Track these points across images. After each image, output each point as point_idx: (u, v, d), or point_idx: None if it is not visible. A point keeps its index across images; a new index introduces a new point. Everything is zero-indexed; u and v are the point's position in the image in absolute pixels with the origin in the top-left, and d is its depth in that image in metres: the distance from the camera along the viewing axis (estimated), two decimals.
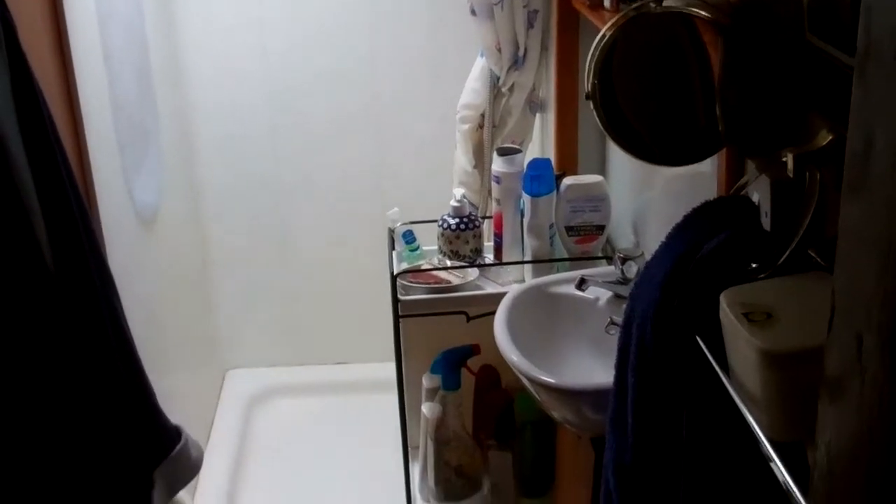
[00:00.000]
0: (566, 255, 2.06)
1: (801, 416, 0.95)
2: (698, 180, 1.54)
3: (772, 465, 0.95)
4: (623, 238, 2.05)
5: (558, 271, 2.01)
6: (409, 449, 2.26)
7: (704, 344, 1.13)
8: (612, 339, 1.38)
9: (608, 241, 2.08)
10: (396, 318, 2.06)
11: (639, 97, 1.29)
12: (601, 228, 2.04)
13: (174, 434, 1.38)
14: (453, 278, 2.08)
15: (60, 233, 1.18)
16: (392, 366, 2.17)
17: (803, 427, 0.96)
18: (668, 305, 1.17)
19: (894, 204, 0.51)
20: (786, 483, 0.90)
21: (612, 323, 1.66)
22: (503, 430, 2.17)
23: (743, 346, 0.98)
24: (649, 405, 1.23)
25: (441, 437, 2.12)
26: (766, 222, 1.15)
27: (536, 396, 1.67)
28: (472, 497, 2.20)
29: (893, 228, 0.51)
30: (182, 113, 3.11)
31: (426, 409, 2.14)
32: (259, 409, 3.43)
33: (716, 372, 1.10)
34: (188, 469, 1.39)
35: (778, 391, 0.96)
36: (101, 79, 2.15)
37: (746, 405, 1.02)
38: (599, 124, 1.28)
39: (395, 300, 2.03)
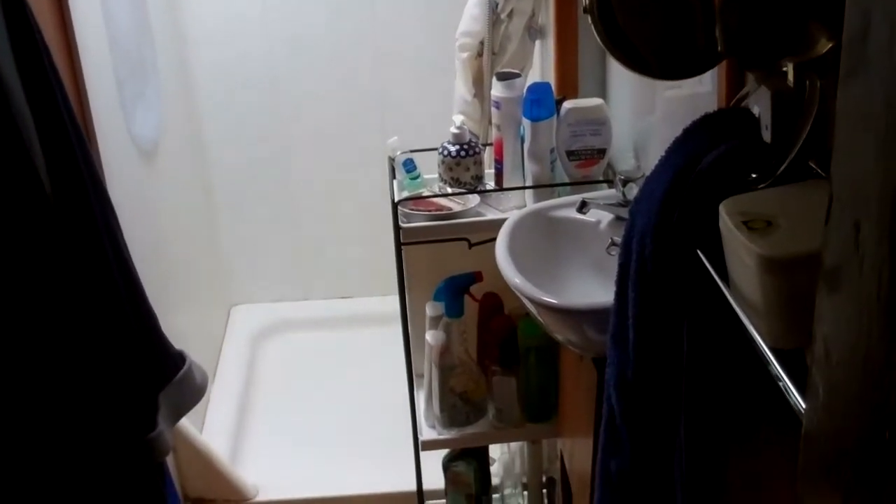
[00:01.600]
0: (567, 180, 2.05)
1: (800, 323, 0.95)
2: (699, 101, 1.53)
3: (771, 370, 0.95)
4: (624, 162, 2.04)
5: (559, 196, 2.01)
6: (414, 377, 2.28)
7: (705, 257, 1.13)
8: (614, 261, 1.38)
9: (609, 165, 2.07)
10: (398, 245, 2.06)
11: (637, 10, 1.27)
12: (602, 152, 2.03)
13: (178, 359, 1.39)
14: (454, 205, 2.08)
15: (59, 162, 1.18)
16: (396, 299, 2.18)
17: (803, 334, 0.96)
18: (668, 219, 1.17)
19: (892, 83, 0.50)
20: (785, 387, 0.91)
21: (613, 244, 1.65)
22: (507, 356, 2.18)
23: (743, 254, 0.98)
24: (650, 320, 1.23)
25: (445, 363, 2.14)
26: (766, 135, 1.14)
27: (539, 319, 1.68)
28: (477, 423, 2.22)
29: (891, 108, 0.51)
30: (179, 42, 3.08)
31: (430, 336, 2.15)
32: (265, 343, 3.45)
33: (716, 284, 1.10)
34: (193, 393, 1.40)
35: (777, 298, 0.96)
36: (96, 11, 2.13)
37: (746, 314, 1.02)
38: (597, 37, 1.27)
39: (397, 228, 2.03)
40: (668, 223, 1.17)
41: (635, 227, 1.25)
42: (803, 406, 0.81)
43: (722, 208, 1.04)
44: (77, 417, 1.17)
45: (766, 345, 0.97)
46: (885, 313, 0.54)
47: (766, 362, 0.97)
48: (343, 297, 3.63)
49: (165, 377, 1.34)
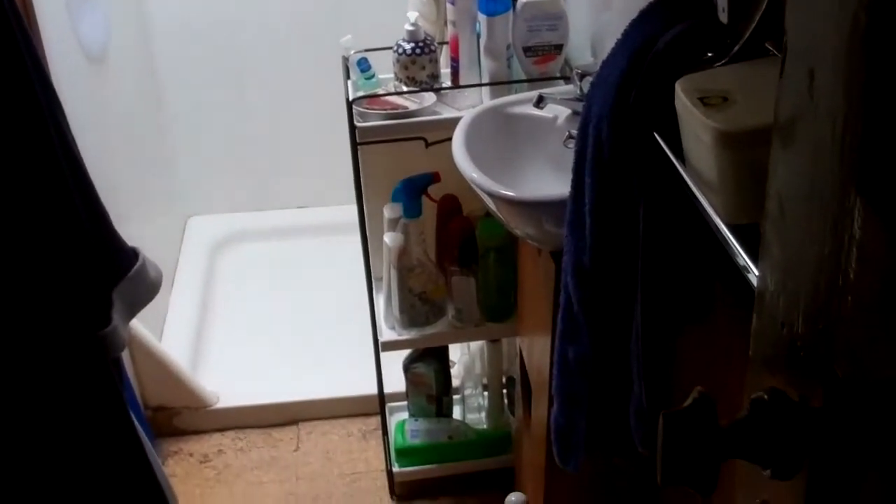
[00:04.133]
0: (524, 77, 2.03)
1: (755, 199, 0.96)
2: None
3: (726, 245, 0.95)
4: (581, 58, 2.01)
5: (517, 94, 1.99)
6: (373, 281, 2.27)
7: (661, 139, 1.12)
8: (572, 156, 1.37)
9: (566, 61, 2.05)
10: (354, 146, 2.03)
11: None
12: (559, 48, 2.00)
13: (131, 255, 1.37)
14: (410, 104, 2.05)
15: None
16: (353, 209, 2.16)
17: (758, 209, 0.97)
18: (625, 102, 1.16)
19: None
20: (744, 262, 0.91)
21: (570, 136, 1.64)
22: (466, 257, 2.18)
23: (699, 130, 0.98)
24: (607, 205, 1.23)
25: (404, 265, 2.13)
26: (723, 16, 1.13)
27: (498, 213, 1.67)
28: (436, 323, 2.22)
29: None
30: None
31: (388, 238, 2.14)
32: (222, 254, 3.43)
33: (672, 166, 1.10)
34: (147, 289, 1.38)
35: (733, 173, 0.96)
36: None
37: (702, 192, 1.02)
38: None
39: (352, 127, 2.00)
40: (625, 106, 1.16)
41: (591, 113, 1.24)
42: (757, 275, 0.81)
43: (678, 86, 1.03)
44: (27, 313, 1.15)
45: (722, 221, 0.98)
46: (840, 158, 0.53)
47: (722, 239, 0.97)
48: (300, 207, 3.60)
49: (119, 273, 1.32)
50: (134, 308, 1.36)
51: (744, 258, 0.92)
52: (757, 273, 0.85)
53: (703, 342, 1.31)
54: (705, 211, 1.00)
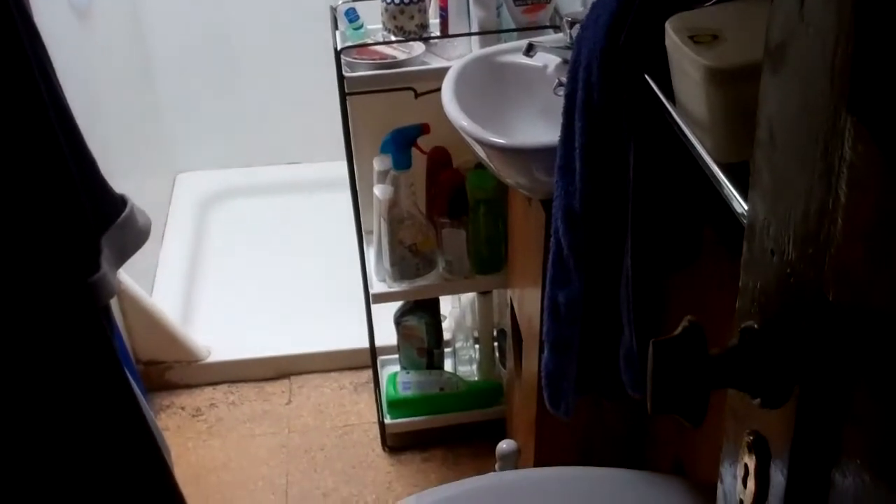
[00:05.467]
0: (513, 27, 2.01)
1: (745, 137, 0.95)
2: None
3: (717, 184, 0.95)
4: (571, 6, 2.00)
5: (506, 43, 1.97)
6: (364, 234, 2.27)
7: (651, 80, 1.12)
8: (562, 104, 1.36)
9: (556, 10, 2.03)
10: (343, 96, 2.02)
11: None
12: None
13: (119, 202, 1.36)
14: (399, 53, 2.03)
15: None
16: (342, 165, 2.15)
17: (748, 147, 0.97)
18: (615, 43, 1.16)
19: None
20: (734, 200, 0.91)
21: (560, 84, 1.63)
22: (456, 210, 2.18)
23: (689, 68, 0.98)
24: (597, 147, 1.23)
25: (394, 216, 2.13)
26: None
27: (488, 162, 1.67)
28: (427, 275, 2.22)
29: None
30: None
31: (378, 190, 2.13)
32: (211, 210, 3.42)
33: (662, 108, 1.09)
34: (136, 236, 1.38)
35: (723, 111, 0.96)
36: None
37: (692, 131, 1.02)
38: None
39: (341, 78, 1.99)
40: (615, 47, 1.15)
41: (581, 55, 1.23)
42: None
43: (668, 25, 1.02)
44: (14, 258, 1.14)
45: (713, 160, 0.97)
46: (830, 78, 0.53)
47: (713, 177, 0.97)
48: (289, 164, 3.59)
49: (107, 220, 1.31)
50: (123, 255, 1.35)
51: (734, 195, 0.92)
52: (746, 207, 0.86)
53: (692, 287, 1.32)
54: (696, 150, 1.00)
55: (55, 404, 1.28)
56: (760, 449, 0.66)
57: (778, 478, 0.64)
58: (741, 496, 0.69)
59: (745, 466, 0.68)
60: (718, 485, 0.74)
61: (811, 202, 0.57)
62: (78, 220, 1.24)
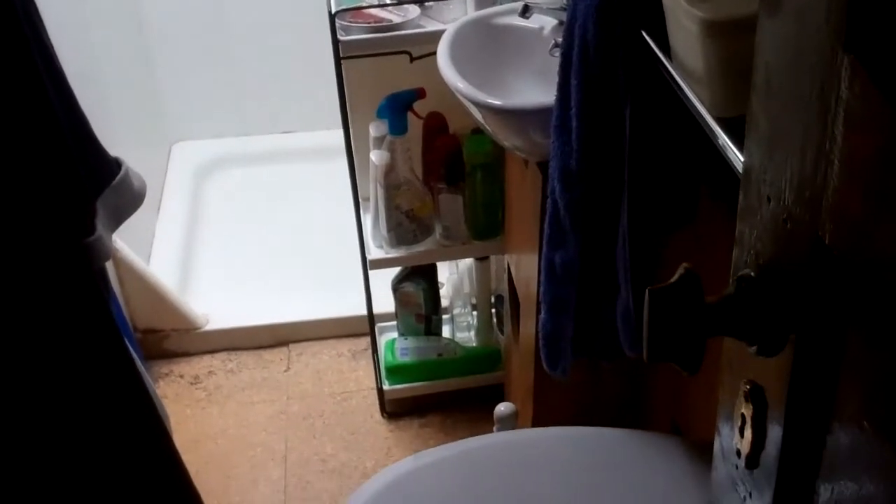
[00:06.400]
0: None
1: (742, 90, 0.95)
2: None
3: (713, 138, 0.95)
4: None
5: (501, 4, 1.96)
6: (360, 201, 2.26)
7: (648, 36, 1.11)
8: (557, 65, 1.35)
9: None
10: (338, 60, 2.01)
11: None
12: None
13: (114, 164, 1.35)
14: (394, 17, 2.02)
15: None
16: (338, 133, 2.13)
17: (745, 101, 0.96)
18: (610, 0, 1.14)
19: None
20: (726, 148, 0.91)
21: (556, 45, 1.62)
22: (453, 175, 2.17)
23: (685, 21, 0.97)
24: (593, 106, 1.22)
25: (390, 182, 2.12)
26: None
27: (484, 124, 1.66)
28: (424, 241, 2.22)
29: None
30: None
31: (374, 156, 2.13)
32: (208, 179, 3.41)
33: (659, 62, 1.09)
34: (131, 199, 1.37)
35: (720, 64, 0.95)
36: None
37: (689, 86, 1.01)
38: None
39: (335, 41, 1.97)
40: (610, 3, 1.14)
41: (577, 12, 1.22)
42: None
43: None
44: (7, 220, 1.14)
45: (710, 114, 0.97)
46: (826, 17, 0.52)
47: (709, 132, 0.96)
48: (285, 132, 3.57)
49: (102, 182, 1.31)
50: (118, 218, 1.35)
51: (731, 149, 0.91)
52: (742, 159, 0.85)
53: (688, 248, 1.31)
54: (693, 105, 0.99)
55: (52, 367, 1.28)
56: (757, 398, 0.66)
57: (775, 427, 0.64)
58: (738, 446, 0.69)
59: (743, 416, 0.67)
60: (716, 437, 0.74)
61: (807, 145, 0.57)
62: (71, 182, 1.23)
